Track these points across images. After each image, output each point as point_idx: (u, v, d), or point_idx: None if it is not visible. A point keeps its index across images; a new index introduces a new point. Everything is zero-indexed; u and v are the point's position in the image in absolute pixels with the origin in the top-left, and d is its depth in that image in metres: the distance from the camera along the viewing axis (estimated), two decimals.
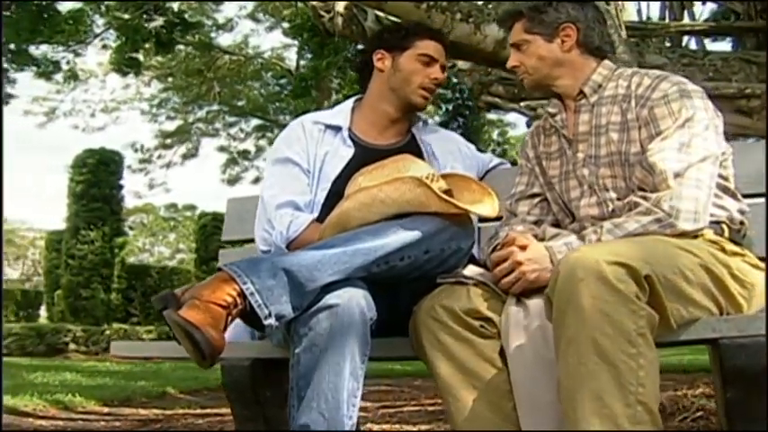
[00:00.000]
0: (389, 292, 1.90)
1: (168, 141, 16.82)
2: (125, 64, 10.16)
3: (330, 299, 1.72)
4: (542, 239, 2.04)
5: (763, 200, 2.25)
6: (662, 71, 2.08)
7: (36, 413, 4.78)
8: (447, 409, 1.80)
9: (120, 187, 19.11)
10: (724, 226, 1.91)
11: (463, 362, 1.76)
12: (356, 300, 1.73)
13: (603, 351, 1.49)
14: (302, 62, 12.98)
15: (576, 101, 2.08)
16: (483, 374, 1.76)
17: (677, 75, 2.06)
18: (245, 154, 20.50)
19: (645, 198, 1.82)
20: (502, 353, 1.77)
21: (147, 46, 9.78)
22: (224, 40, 14.60)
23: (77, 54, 10.33)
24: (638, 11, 7.99)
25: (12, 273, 37.81)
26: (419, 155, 2.33)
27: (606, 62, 2.11)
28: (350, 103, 2.42)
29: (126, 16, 9.25)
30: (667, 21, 7.18)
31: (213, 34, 13.50)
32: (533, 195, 2.18)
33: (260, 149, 19.49)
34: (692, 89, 1.94)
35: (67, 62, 10.40)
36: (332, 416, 1.66)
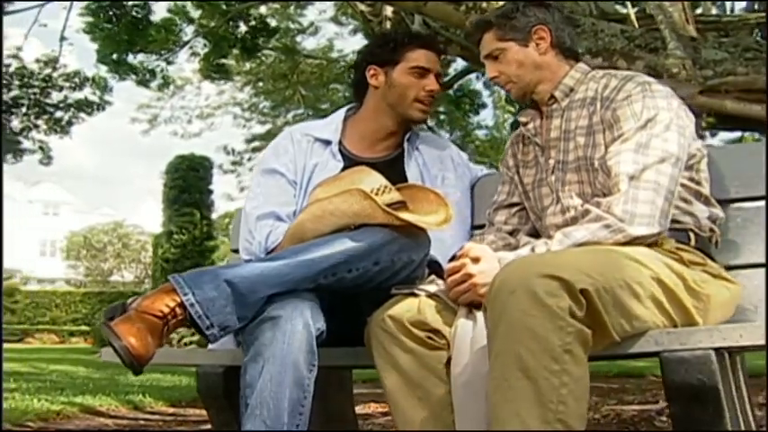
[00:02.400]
0: (352, 302, 1.94)
1: (258, 144, 17.24)
2: (213, 71, 10.53)
3: (273, 310, 1.76)
4: (516, 248, 2.03)
5: (756, 203, 2.17)
6: (631, 71, 2.04)
7: (108, 412, 5.00)
8: (393, 419, 1.82)
9: (210, 192, 19.73)
10: (691, 234, 1.86)
11: (408, 373, 1.77)
12: (300, 311, 1.77)
13: (526, 366, 1.46)
14: None
15: (548, 106, 2.05)
16: (427, 386, 1.76)
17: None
18: None
19: (598, 204, 1.79)
20: (450, 364, 1.77)
21: (234, 52, 10.11)
22: (309, 44, 14.85)
23: (169, 62, 10.69)
24: (721, 4, 7.68)
25: (127, 275, 39.59)
26: (410, 166, 2.35)
27: (580, 65, 2.08)
28: (341, 113, 2.43)
29: (212, 24, 9.55)
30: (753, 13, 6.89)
31: (299, 38, 13.80)
32: (512, 205, 2.17)
33: None
34: (657, 89, 1.89)
35: (161, 70, 10.79)
36: (273, 424, 1.70)
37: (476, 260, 1.79)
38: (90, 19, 9.37)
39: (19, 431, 4.01)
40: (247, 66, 13.53)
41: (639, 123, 1.83)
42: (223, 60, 10.45)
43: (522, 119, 2.13)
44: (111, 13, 9.21)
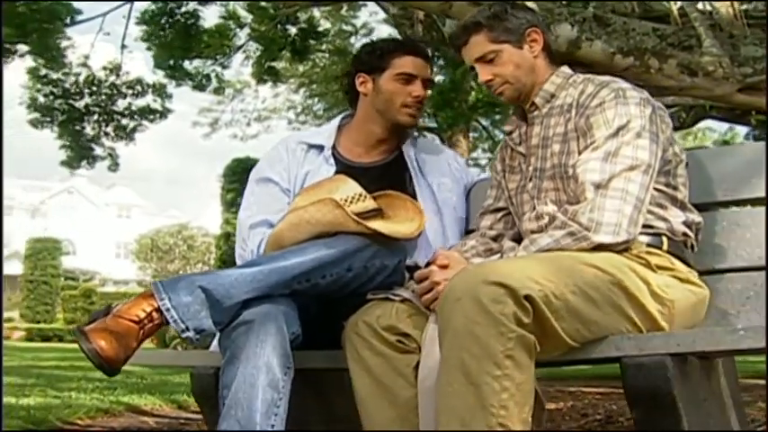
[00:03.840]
0: (332, 307, 2.00)
1: None
2: (265, 74, 10.72)
3: (247, 315, 1.83)
4: (497, 254, 2.05)
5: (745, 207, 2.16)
6: (610, 77, 2.02)
7: (152, 411, 5.15)
8: (361, 421, 1.87)
9: None
10: (663, 238, 1.86)
11: (378, 376, 1.82)
12: (274, 316, 1.84)
13: (469, 372, 1.50)
14: (435, 68, 13.03)
15: (531, 112, 2.05)
16: (395, 388, 1.80)
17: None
18: None
19: (565, 212, 1.80)
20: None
21: (286, 55, 10.29)
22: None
23: (224, 66, 10.92)
24: None
25: None
26: (405, 171, 2.39)
27: (563, 69, 2.06)
28: (336, 121, 2.48)
29: (262, 28, 9.72)
30: None
31: (352, 40, 13.88)
32: (498, 209, 2.18)
33: None
34: (631, 95, 1.88)
35: (216, 75, 11.01)
36: (246, 423, 1.76)
37: (443, 267, 1.82)
38: (145, 27, 9.64)
39: (69, 429, 4.16)
40: (301, 68, 13.68)
41: (610, 131, 1.83)
42: (275, 63, 10.62)
43: (507, 127, 2.14)
44: (162, 20, 9.45)
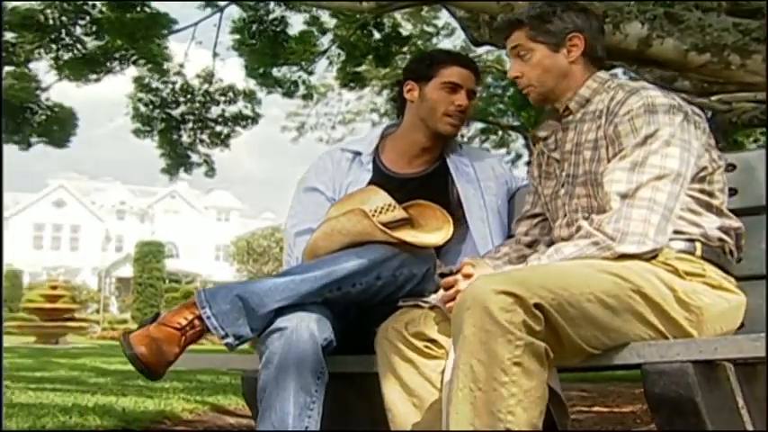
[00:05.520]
0: (369, 313, 2.06)
1: None
2: (349, 79, 10.87)
3: (281, 322, 1.92)
4: None
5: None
6: (641, 83, 1.99)
7: (235, 411, 5.27)
8: (390, 426, 1.91)
9: None
10: (697, 244, 1.83)
11: (406, 381, 1.86)
12: (306, 323, 1.91)
13: (477, 378, 1.53)
14: None
15: (565, 117, 2.04)
16: (422, 393, 1.84)
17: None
18: None
19: (592, 221, 1.80)
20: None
21: (369, 59, 10.39)
22: (445, 45, 14.71)
23: (309, 73, 11.08)
24: None
25: None
26: (447, 180, 2.43)
27: (600, 73, 2.03)
28: (379, 130, 2.53)
29: (345, 33, 9.86)
30: None
31: (434, 41, 13.83)
32: (534, 215, 2.18)
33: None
34: (661, 102, 1.85)
35: (303, 81, 11.20)
36: (279, 425, 1.85)
37: (467, 277, 1.85)
38: (237, 36, 9.90)
39: (156, 428, 4.34)
40: (383, 71, 13.70)
41: (638, 140, 1.82)
42: (359, 68, 10.75)
43: (542, 133, 2.12)
44: (253, 29, 9.68)
